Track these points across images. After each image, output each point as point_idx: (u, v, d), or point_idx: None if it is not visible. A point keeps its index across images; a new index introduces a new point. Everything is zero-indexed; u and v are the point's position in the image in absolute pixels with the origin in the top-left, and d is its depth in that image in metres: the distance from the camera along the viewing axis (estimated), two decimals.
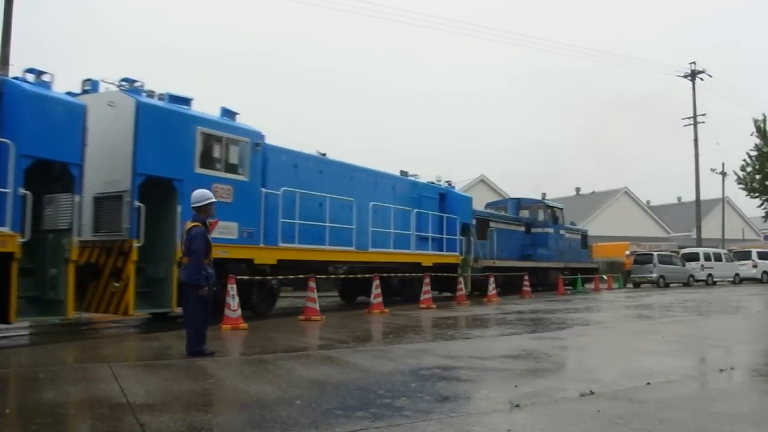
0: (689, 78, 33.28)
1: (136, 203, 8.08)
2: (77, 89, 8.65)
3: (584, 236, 24.17)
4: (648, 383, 4.57)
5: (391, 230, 13.16)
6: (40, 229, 7.43)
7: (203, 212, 6.03)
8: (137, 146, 8.23)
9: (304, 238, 10.82)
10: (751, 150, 32.38)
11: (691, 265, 25.63)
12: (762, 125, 31.80)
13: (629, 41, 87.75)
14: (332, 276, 12.45)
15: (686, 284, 24.82)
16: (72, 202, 7.41)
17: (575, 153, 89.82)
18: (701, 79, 33.29)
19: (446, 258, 14.96)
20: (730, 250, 30.19)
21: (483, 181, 37.38)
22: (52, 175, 7.57)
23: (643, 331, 9.06)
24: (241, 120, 10.29)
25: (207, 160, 9.25)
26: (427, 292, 12.49)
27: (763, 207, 32.59)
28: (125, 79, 8.60)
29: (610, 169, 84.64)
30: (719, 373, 5.25)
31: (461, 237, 15.64)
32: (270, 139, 10.71)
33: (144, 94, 8.66)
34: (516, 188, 43.36)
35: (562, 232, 21.50)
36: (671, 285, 24.31)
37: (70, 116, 7.49)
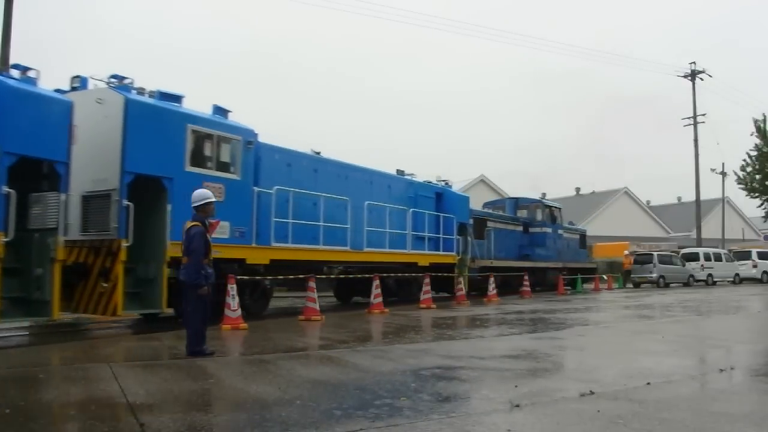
0: (689, 78, 33.71)
1: (125, 202, 8.09)
2: (66, 86, 8.66)
3: (582, 236, 24.38)
4: (648, 383, 4.66)
5: (387, 230, 13.23)
6: (26, 228, 7.43)
7: (202, 212, 6.12)
8: (126, 144, 8.24)
9: (298, 238, 10.86)
10: (751, 150, 32.85)
11: (691, 265, 25.94)
12: (762, 125, 32.23)
13: (629, 41, 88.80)
14: (328, 276, 12.52)
15: (686, 284, 25.12)
16: (58, 200, 7.40)
17: (575, 153, 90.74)
18: (701, 79, 33.77)
19: (443, 258, 15.06)
20: (730, 250, 30.56)
21: (483, 181, 37.83)
22: (39, 174, 7.57)
23: (643, 331, 9.20)
24: (239, 119, 10.35)
25: (198, 159, 9.27)
26: (427, 292, 12.65)
27: (763, 207, 33.02)
28: (114, 76, 8.61)
29: (610, 169, 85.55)
30: (719, 373, 5.35)
31: (458, 237, 15.73)
32: (270, 139, 10.80)
33: (134, 92, 8.68)
34: (516, 188, 43.83)
35: (560, 231, 21.68)
36: (671, 285, 24.59)
37: (56, 113, 7.49)
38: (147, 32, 75.21)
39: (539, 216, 20.84)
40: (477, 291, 16.10)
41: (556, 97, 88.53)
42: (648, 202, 50.73)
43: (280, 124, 68.46)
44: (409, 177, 15.15)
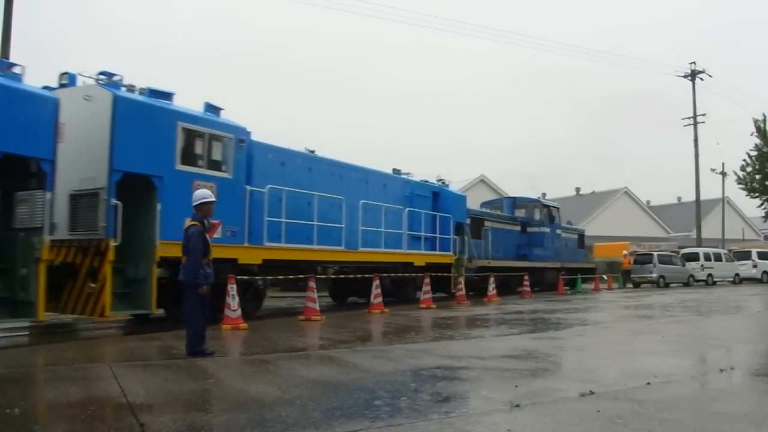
0: (689, 78, 34.11)
1: (113, 201, 8.10)
2: (55, 83, 8.66)
3: (581, 236, 24.59)
4: (648, 383, 4.75)
5: (383, 229, 13.31)
6: (11, 227, 7.44)
7: (201, 211, 6.22)
8: (114, 142, 8.24)
9: (291, 238, 10.92)
10: (751, 150, 33.26)
11: (691, 265, 26.26)
12: (762, 125, 32.64)
13: (629, 41, 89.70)
14: (322, 276, 12.59)
15: (686, 284, 25.43)
16: (43, 199, 7.40)
17: (575, 153, 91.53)
18: (701, 79, 34.17)
19: (439, 258, 15.16)
20: (730, 250, 30.93)
21: (483, 181, 38.36)
22: (27, 172, 7.58)
23: (643, 331, 9.34)
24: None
25: (188, 157, 9.29)
26: (427, 292, 12.82)
27: (763, 207, 33.45)
28: (103, 73, 8.62)
29: (610, 169, 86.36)
30: (719, 373, 5.45)
31: (455, 236, 15.84)
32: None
33: (123, 89, 8.69)
34: (516, 188, 44.25)
35: (558, 231, 21.85)
36: (671, 285, 24.88)
37: (41, 110, 7.48)
38: (147, 32, 75.81)
39: (537, 215, 20.99)
40: (474, 291, 16.21)
41: (556, 97, 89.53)
42: (648, 202, 51.26)
43: (281, 124, 69.28)
44: (405, 176, 15.24)
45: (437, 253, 15.13)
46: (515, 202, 21.86)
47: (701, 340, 8.22)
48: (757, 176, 32.86)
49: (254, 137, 10.78)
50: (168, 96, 9.31)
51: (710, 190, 42.12)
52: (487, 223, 18.54)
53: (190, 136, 9.36)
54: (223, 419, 3.79)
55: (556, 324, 9.76)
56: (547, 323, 9.86)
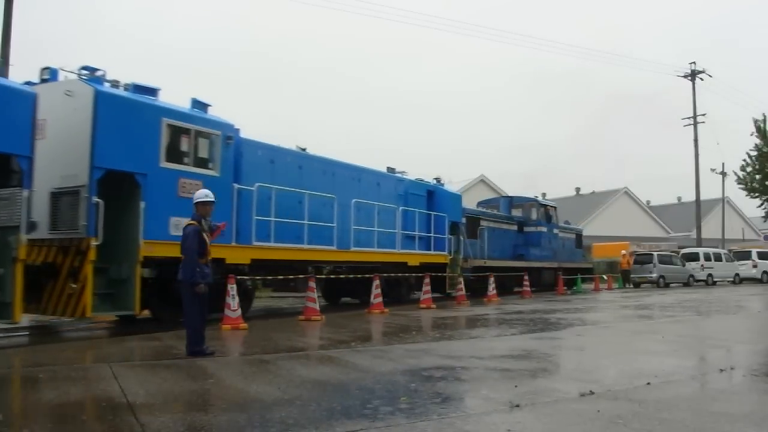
0: (689, 78, 34.69)
1: (95, 199, 8.11)
2: (36, 78, 8.66)
3: (579, 236, 24.87)
4: (648, 383, 4.90)
5: (376, 228, 13.42)
6: None
7: (199, 210, 6.37)
8: (96, 138, 8.24)
9: (281, 237, 10.98)
10: (751, 150, 33.87)
11: (691, 265, 26.71)
12: (762, 125, 33.25)
13: (629, 41, 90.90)
14: (317, 276, 12.68)
15: (686, 284, 25.87)
16: (20, 197, 7.39)
17: (575, 153, 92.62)
18: (701, 79, 34.78)
19: (434, 257, 15.31)
20: (730, 250, 31.47)
21: (483, 181, 38.97)
22: (8, 170, 7.57)
23: (643, 331, 9.55)
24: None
25: (173, 154, 9.30)
26: (427, 292, 13.04)
27: (763, 207, 34.06)
28: (85, 68, 8.62)
29: (610, 169, 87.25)
30: (719, 373, 5.62)
31: (450, 236, 15.99)
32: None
33: (107, 84, 8.70)
34: (516, 188, 45.07)
35: (555, 231, 22.10)
36: (671, 285, 25.30)
37: (17, 105, 7.45)
38: (147, 32, 75.92)
39: (534, 215, 21.22)
40: (470, 291, 16.39)
41: (556, 97, 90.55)
42: (648, 202, 51.98)
43: (280, 124, 69.59)
44: (399, 174, 15.34)
45: (432, 252, 15.26)
46: (512, 202, 22.07)
47: (701, 340, 8.42)
48: (757, 176, 33.47)
49: (248, 135, 10.86)
50: (153, 92, 9.31)
51: (710, 190, 42.84)
52: (483, 223, 18.72)
53: (176, 132, 9.38)
54: (223, 419, 3.89)
55: (556, 324, 9.97)
56: (547, 323, 10.06)
